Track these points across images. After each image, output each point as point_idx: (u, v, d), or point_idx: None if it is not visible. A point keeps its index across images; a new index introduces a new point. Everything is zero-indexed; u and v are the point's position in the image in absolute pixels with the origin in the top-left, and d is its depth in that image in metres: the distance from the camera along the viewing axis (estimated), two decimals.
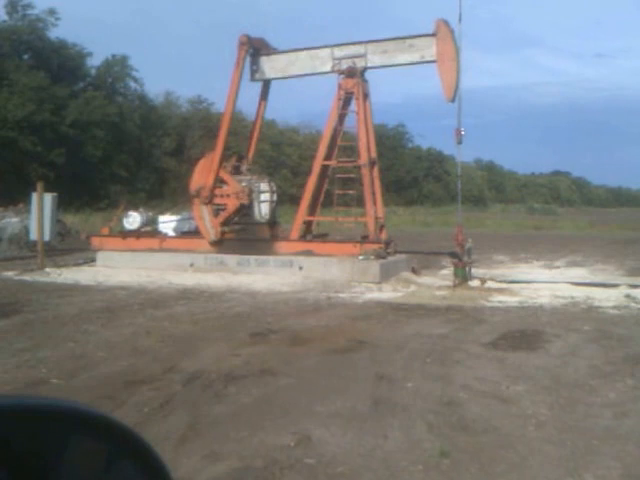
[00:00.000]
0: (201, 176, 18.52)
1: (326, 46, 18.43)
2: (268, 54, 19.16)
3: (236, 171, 19.02)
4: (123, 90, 55.78)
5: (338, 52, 18.19)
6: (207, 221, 18.26)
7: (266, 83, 19.92)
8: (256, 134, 20.41)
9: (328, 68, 18.34)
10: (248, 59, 18.96)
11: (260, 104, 20.32)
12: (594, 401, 6.73)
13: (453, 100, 16.70)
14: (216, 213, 18.39)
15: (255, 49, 18.92)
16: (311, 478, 4.88)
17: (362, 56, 17.92)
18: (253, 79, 19.47)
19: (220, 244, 18.29)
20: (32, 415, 1.09)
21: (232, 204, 18.23)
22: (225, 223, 18.45)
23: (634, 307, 12.86)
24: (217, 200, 18.41)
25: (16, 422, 1.06)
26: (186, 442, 5.52)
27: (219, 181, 18.54)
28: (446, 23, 17.05)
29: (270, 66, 19.19)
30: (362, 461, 5.20)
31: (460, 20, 16.28)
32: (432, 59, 17.20)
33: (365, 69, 18.16)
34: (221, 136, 18.69)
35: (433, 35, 17.19)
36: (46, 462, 1.07)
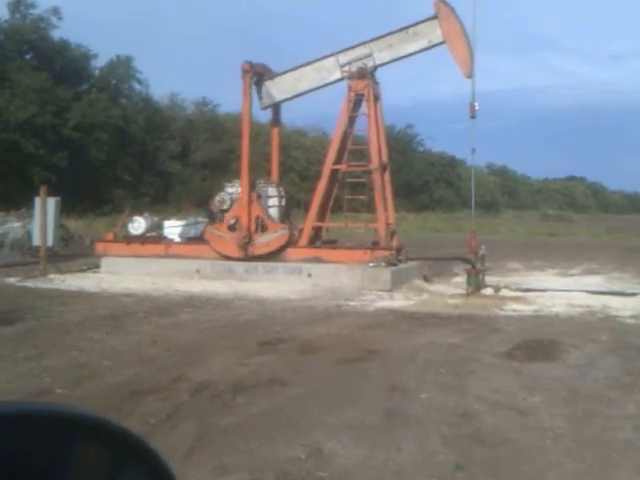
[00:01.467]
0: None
1: (330, 55, 18.21)
2: (272, 78, 18.91)
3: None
4: (127, 92, 55.87)
5: (343, 58, 17.99)
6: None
7: (276, 108, 19.69)
8: (275, 158, 20.07)
9: (338, 76, 18.09)
10: (254, 88, 18.67)
11: (273, 131, 20.18)
12: (613, 413, 6.61)
13: (471, 75, 16.65)
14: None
15: (258, 76, 18.65)
16: None
17: (369, 56, 17.71)
18: (263, 107, 19.22)
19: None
20: (35, 421, 1.07)
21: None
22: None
23: None
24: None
25: (18, 428, 1.04)
26: (194, 454, 5.43)
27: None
28: (445, 2, 16.97)
29: (277, 89, 18.92)
30: (375, 474, 5.13)
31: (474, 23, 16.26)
32: (440, 41, 17.05)
33: (375, 67, 17.91)
34: (244, 166, 18.19)
35: (435, 18, 17.07)
36: (49, 468, 1.06)
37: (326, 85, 18.53)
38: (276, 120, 20.11)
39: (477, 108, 16.27)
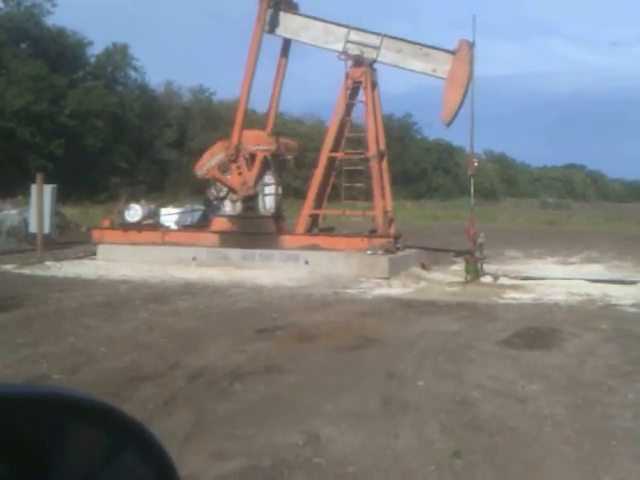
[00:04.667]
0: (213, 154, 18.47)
1: (344, 25, 18.05)
2: (286, 10, 18.63)
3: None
4: (123, 80, 55.46)
5: (354, 35, 17.80)
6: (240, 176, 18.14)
7: (287, 42, 19.32)
8: (276, 93, 19.63)
9: (339, 48, 17.87)
10: (269, 12, 18.34)
11: (281, 61, 19.65)
12: (612, 401, 6.60)
13: (449, 125, 16.68)
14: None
15: (276, 2, 18.36)
16: (321, 478, 4.81)
17: (376, 48, 17.55)
18: (268, 31, 18.74)
19: (222, 235, 18.01)
20: (33, 403, 1.08)
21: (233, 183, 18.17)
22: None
23: None
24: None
25: (16, 410, 1.05)
26: (192, 440, 5.43)
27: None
28: (469, 46, 16.68)
29: (284, 24, 18.65)
30: (373, 461, 5.13)
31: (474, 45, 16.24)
32: (443, 76, 16.90)
33: (374, 61, 17.80)
34: (241, 103, 18.44)
35: (452, 53, 16.91)
36: (47, 450, 1.07)
37: (324, 49, 18.34)
38: (285, 52, 19.57)
39: (476, 165, 16.34)
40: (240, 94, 18.66)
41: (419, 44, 17.46)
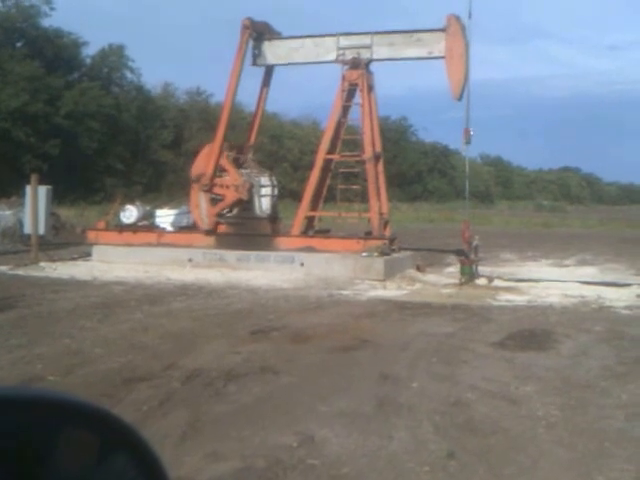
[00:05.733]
0: (203, 162, 18.19)
1: (332, 34, 18.11)
2: (271, 39, 18.71)
3: (236, 163, 18.72)
4: (119, 81, 55.38)
5: (344, 41, 17.86)
6: (203, 209, 17.99)
7: (269, 69, 19.44)
8: (257, 122, 19.87)
9: (333, 57, 17.97)
10: (251, 43, 18.46)
11: (262, 90, 19.82)
12: (606, 403, 6.61)
13: (460, 98, 16.55)
14: (213, 203, 18.12)
15: (258, 33, 18.42)
16: (315, 479, 4.78)
17: (368, 47, 17.61)
18: (255, 64, 18.93)
19: (218, 237, 18.05)
20: (24, 406, 1.07)
21: (230, 196, 17.98)
22: (220, 214, 18.21)
23: None
24: (216, 190, 18.07)
25: (5, 413, 1.04)
26: (187, 441, 5.43)
27: (220, 170, 18.23)
28: (457, 19, 16.78)
29: (273, 52, 18.75)
30: (367, 462, 5.13)
31: (470, 16, 16.16)
32: (440, 55, 16.98)
33: (370, 61, 17.86)
34: (222, 122, 18.31)
35: (443, 30, 16.95)
36: (36, 453, 1.05)
37: (319, 63, 18.48)
38: (266, 82, 19.71)
39: (472, 134, 16.25)
40: (218, 129, 18.47)
41: (409, 31, 17.50)
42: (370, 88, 18.10)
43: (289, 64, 19.06)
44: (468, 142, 16.30)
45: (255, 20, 18.19)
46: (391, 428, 5.78)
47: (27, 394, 1.13)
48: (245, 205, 18.32)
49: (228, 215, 18.63)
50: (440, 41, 16.98)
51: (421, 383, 7.16)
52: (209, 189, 17.94)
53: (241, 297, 13.21)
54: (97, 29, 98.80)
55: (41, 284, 14.36)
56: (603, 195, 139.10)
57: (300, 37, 18.60)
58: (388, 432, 5.68)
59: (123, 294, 13.32)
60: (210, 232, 18.03)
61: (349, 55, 17.67)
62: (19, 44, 48.26)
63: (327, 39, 18.15)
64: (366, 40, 17.69)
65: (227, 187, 18.02)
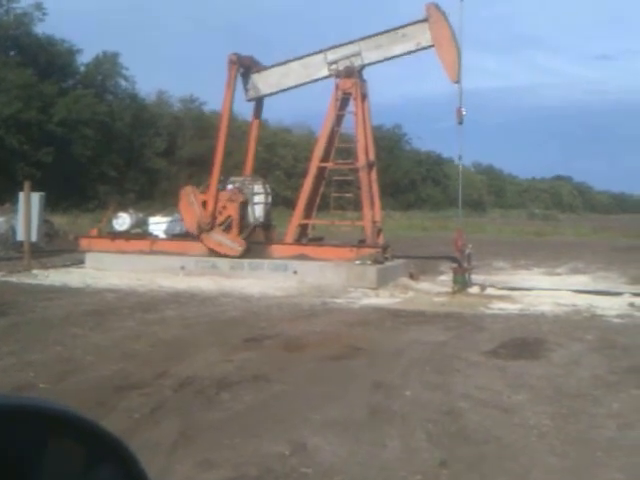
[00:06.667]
0: (190, 212, 18.20)
1: (318, 52, 18.15)
2: (259, 71, 18.82)
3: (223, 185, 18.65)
4: (113, 88, 55.38)
5: (331, 55, 17.93)
6: (226, 241, 17.90)
7: (259, 101, 19.58)
8: (252, 152, 19.92)
9: (325, 73, 18.02)
10: (239, 79, 18.62)
11: (253, 122, 20.05)
12: (597, 412, 6.63)
13: (458, 80, 16.58)
14: (227, 228, 18.03)
15: (245, 68, 18.59)
16: None
17: (357, 54, 17.66)
18: (248, 98, 19.13)
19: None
20: (10, 415, 1.06)
21: (233, 208, 17.93)
22: (241, 230, 18.12)
23: (638, 316, 12.70)
24: (220, 218, 18.05)
25: None
26: (178, 449, 5.41)
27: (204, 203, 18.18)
28: (436, 6, 16.89)
29: (264, 82, 18.83)
30: (360, 470, 5.14)
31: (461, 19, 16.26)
32: (429, 44, 17.01)
33: (363, 67, 17.89)
34: (217, 159, 18.35)
35: (425, 21, 17.02)
36: (21, 462, 1.04)
37: (313, 82, 18.48)
38: (258, 113, 19.95)
39: (464, 113, 16.22)
40: (214, 164, 18.48)
41: (393, 29, 17.52)
42: (364, 96, 18.15)
43: (282, 90, 18.96)
44: (461, 122, 16.29)
45: (241, 55, 18.28)
46: (384, 436, 5.78)
47: (12, 403, 1.11)
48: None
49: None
50: (425, 31, 17.02)
51: (414, 391, 7.16)
52: (212, 226, 17.84)
53: (234, 305, 13.19)
54: (91, 37, 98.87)
55: (34, 291, 14.31)
56: (595, 204, 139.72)
57: (287, 62, 18.61)
58: (381, 440, 5.68)
59: (116, 302, 13.28)
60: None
61: (341, 66, 17.72)
62: (12, 52, 48.23)
63: (315, 57, 18.21)
64: (354, 48, 17.71)
65: (224, 207, 17.98)
